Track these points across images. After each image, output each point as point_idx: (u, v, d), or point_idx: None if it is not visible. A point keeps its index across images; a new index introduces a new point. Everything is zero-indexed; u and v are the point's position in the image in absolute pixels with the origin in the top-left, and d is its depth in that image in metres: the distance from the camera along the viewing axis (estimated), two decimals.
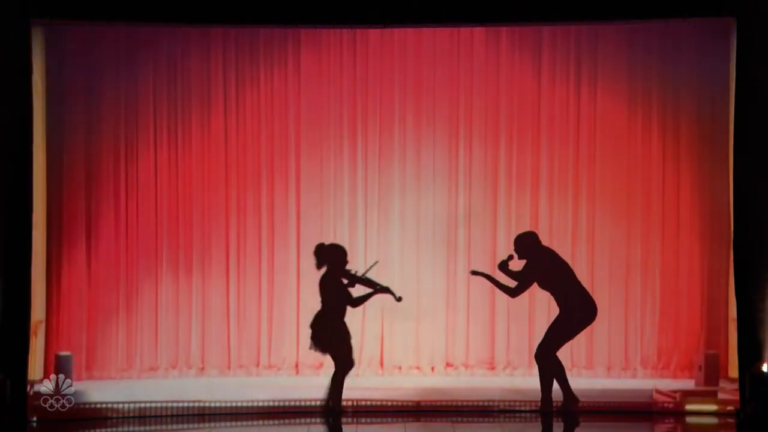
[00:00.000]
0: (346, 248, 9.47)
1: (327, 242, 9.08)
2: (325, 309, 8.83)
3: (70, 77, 9.94)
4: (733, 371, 9.56)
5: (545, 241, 10.13)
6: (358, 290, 8.98)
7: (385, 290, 8.89)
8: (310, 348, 8.93)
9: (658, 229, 10.15)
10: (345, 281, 8.83)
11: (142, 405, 9.54)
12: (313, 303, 10.13)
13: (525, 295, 10.17)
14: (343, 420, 9.49)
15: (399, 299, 8.99)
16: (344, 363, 8.91)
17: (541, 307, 10.16)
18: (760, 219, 9.25)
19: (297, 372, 10.20)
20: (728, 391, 9.51)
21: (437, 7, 9.39)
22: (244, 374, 10.15)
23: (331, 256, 8.76)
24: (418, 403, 9.66)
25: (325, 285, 8.80)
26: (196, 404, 9.61)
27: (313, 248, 8.93)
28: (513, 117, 10.24)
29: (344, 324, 8.83)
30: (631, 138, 10.20)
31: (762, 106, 9.17)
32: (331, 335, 8.77)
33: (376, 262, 9.23)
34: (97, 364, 10.00)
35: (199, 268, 10.13)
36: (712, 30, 9.90)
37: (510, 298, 9.76)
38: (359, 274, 8.87)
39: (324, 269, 8.82)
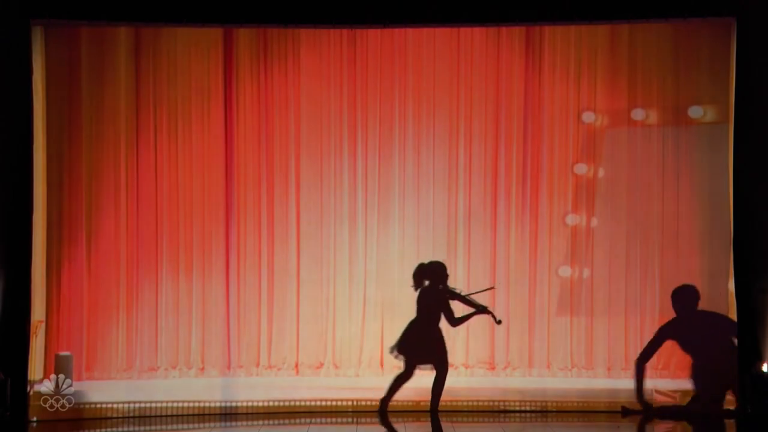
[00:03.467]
0: (346, 251, 9.61)
1: (425, 261, 9.44)
2: (422, 319, 9.22)
3: (70, 77, 9.93)
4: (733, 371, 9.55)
5: (546, 239, 10.15)
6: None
7: (485, 311, 9.21)
8: (392, 351, 9.37)
9: (658, 229, 10.14)
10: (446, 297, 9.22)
11: (142, 405, 9.55)
12: (312, 303, 10.17)
13: (525, 295, 10.19)
14: (343, 420, 9.51)
15: (499, 322, 9.31)
16: (444, 368, 9.30)
17: (541, 307, 10.16)
18: (760, 219, 9.26)
19: (297, 372, 10.19)
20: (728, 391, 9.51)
21: (437, 7, 9.39)
22: (244, 374, 10.13)
23: (432, 273, 9.20)
24: (418, 403, 9.67)
25: (427, 298, 9.19)
26: (196, 404, 9.63)
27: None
28: (513, 117, 10.23)
29: (441, 332, 9.26)
30: (631, 138, 10.20)
31: (762, 106, 9.18)
32: (427, 344, 9.19)
33: (491, 288, 9.52)
34: (97, 364, 9.99)
35: (199, 268, 10.12)
36: (712, 30, 9.90)
37: (510, 300, 9.81)
38: (463, 293, 9.25)
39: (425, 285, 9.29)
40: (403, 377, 9.40)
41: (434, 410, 9.51)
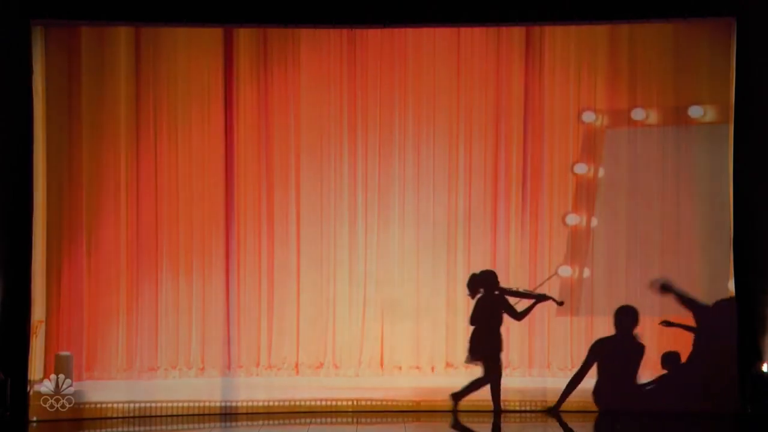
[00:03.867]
0: (346, 251, 9.73)
1: (477, 271, 9.95)
2: (482, 327, 9.78)
3: (70, 77, 9.93)
4: (733, 371, 9.56)
5: (546, 239, 10.16)
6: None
7: (545, 298, 9.85)
8: (467, 361, 9.85)
9: (658, 228, 10.14)
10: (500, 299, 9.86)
11: (142, 405, 9.56)
12: (312, 303, 10.17)
13: None
14: (343, 420, 9.52)
15: (560, 303, 9.87)
16: (497, 371, 9.79)
17: (540, 307, 10.16)
18: (760, 219, 9.27)
19: (297, 372, 10.19)
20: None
21: (437, 7, 9.39)
22: (244, 374, 10.13)
23: (485, 281, 9.81)
24: (418, 403, 9.67)
25: (483, 305, 9.76)
26: (196, 404, 9.64)
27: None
28: (513, 117, 10.23)
29: (501, 335, 9.80)
30: (631, 138, 10.20)
31: (762, 106, 9.19)
32: (487, 348, 9.78)
33: (554, 275, 9.95)
34: (97, 364, 9.98)
35: (199, 268, 10.12)
36: (712, 30, 9.90)
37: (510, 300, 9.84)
38: (521, 289, 9.89)
39: (481, 293, 9.88)
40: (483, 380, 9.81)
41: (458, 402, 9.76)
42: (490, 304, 9.83)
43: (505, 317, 9.87)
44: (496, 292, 9.83)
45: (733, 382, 9.50)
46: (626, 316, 9.84)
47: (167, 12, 9.53)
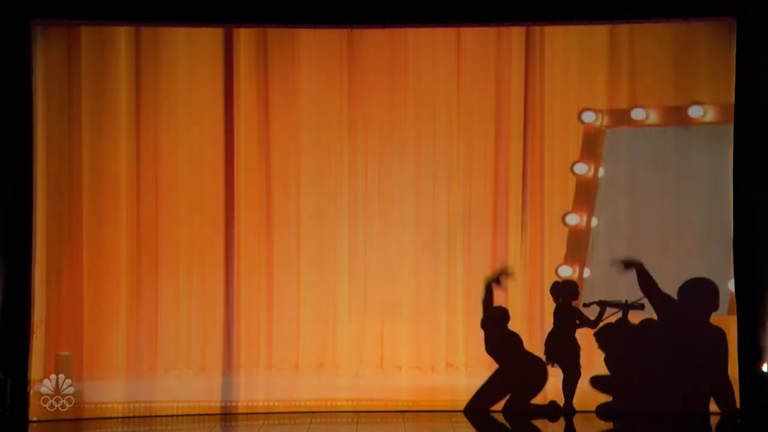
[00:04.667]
0: (346, 251, 9.70)
1: (560, 280, 10.07)
2: (557, 331, 9.95)
3: (70, 77, 9.94)
4: (733, 371, 9.57)
5: (546, 239, 10.15)
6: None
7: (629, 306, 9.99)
8: (547, 362, 9.97)
9: (658, 229, 10.14)
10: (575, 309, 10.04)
11: (142, 405, 9.56)
12: (312, 303, 10.17)
13: (525, 295, 10.20)
14: (343, 420, 9.53)
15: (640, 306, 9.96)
16: (575, 372, 9.92)
17: (541, 307, 10.16)
18: (760, 219, 9.26)
19: (297, 372, 10.20)
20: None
21: (437, 7, 9.39)
22: (244, 374, 10.14)
23: (565, 290, 10.01)
24: (418, 403, 9.67)
25: (562, 314, 9.95)
26: (196, 404, 9.64)
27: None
28: (513, 117, 10.24)
29: (576, 340, 9.92)
30: (631, 138, 10.20)
31: (762, 106, 9.19)
32: (565, 351, 9.94)
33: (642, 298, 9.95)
34: (97, 364, 9.99)
35: (198, 268, 10.12)
36: (712, 30, 9.91)
37: (506, 299, 9.82)
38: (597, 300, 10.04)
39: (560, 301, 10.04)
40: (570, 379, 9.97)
41: (567, 409, 9.82)
42: (567, 315, 9.93)
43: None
44: (571, 303, 9.98)
45: (733, 382, 9.53)
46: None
47: (167, 12, 9.54)
